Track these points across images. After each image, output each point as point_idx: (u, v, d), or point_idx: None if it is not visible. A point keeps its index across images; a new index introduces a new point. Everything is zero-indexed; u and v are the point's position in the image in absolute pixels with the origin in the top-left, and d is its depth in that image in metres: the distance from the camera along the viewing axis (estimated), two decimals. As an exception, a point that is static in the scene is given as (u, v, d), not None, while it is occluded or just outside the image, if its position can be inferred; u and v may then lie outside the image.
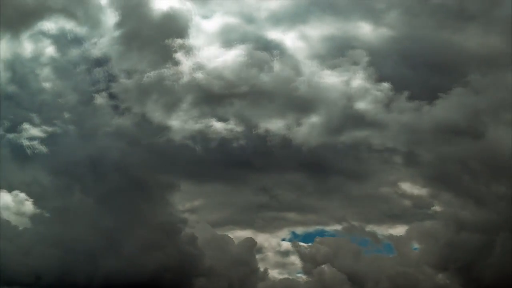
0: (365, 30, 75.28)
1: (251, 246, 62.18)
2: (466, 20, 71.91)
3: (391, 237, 67.49)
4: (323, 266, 62.39)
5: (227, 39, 72.25)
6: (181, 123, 66.49)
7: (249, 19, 75.79)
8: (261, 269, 62.55)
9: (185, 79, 66.31)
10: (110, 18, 65.42)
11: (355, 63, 69.69)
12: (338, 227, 70.67)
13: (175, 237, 59.48)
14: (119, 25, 65.13)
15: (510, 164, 58.84)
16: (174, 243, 58.83)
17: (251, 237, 64.34)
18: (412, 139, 66.87)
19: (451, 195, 63.91)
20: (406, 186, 69.82)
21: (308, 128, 67.41)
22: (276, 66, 68.46)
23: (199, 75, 66.84)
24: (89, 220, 58.75)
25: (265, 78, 67.53)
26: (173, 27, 66.39)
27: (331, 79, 69.20)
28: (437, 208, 66.22)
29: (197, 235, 59.81)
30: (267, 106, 68.14)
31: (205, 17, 75.48)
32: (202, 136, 66.48)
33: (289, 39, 75.23)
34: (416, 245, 64.62)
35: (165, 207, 62.16)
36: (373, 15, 75.13)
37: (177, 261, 57.44)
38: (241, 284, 59.19)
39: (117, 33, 65.33)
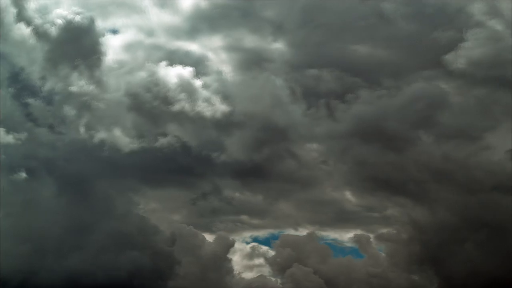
0: (265, 42, 76.33)
1: (228, 245, 61.14)
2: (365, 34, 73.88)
3: (354, 240, 68.39)
4: (292, 268, 61.79)
5: (140, 54, 72.53)
6: (116, 138, 65.11)
7: (151, 33, 76.07)
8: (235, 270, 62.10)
9: (111, 96, 65.83)
10: (29, 38, 63.98)
11: (267, 75, 70.27)
12: (291, 230, 71.35)
13: (148, 237, 57.92)
14: (36, 46, 64.19)
15: (443, 167, 61.50)
16: (148, 243, 57.37)
17: (224, 233, 63.94)
18: (339, 145, 67.46)
19: (397, 198, 65.70)
20: (349, 191, 71.38)
21: (237, 141, 67.18)
22: (196, 80, 68.41)
23: (124, 92, 66.28)
24: (52, 220, 56.76)
25: (188, 93, 67.23)
26: (87, 45, 65.93)
27: (248, 91, 69.08)
28: (389, 211, 67.79)
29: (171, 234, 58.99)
30: (196, 122, 67.63)
31: (112, 32, 74.91)
32: (142, 149, 65.17)
33: (201, 52, 75.57)
34: (380, 248, 65.80)
35: (130, 209, 60.70)
36: (267, 27, 75.87)
37: (150, 261, 56.02)
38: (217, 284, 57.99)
39: (36, 54, 64.36)
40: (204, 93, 67.22)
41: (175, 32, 75.70)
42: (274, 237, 71.63)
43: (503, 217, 56.10)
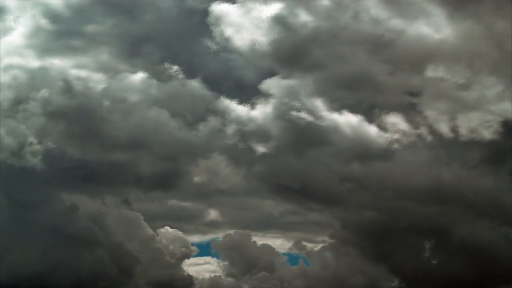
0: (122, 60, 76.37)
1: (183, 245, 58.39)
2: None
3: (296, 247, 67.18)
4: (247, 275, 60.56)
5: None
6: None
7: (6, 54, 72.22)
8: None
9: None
10: None
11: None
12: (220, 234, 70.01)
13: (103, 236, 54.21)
14: None
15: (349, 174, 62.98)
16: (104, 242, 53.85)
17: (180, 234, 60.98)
18: (239, 156, 66.52)
19: (314, 204, 65.88)
20: (267, 199, 70.68)
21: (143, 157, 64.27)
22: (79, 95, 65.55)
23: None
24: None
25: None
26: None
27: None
28: (312, 217, 68.61)
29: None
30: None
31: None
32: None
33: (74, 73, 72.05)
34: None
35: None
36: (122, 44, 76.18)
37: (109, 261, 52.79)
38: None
39: None
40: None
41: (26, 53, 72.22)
42: (207, 245, 71.44)
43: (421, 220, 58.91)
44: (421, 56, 64.26)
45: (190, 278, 56.64)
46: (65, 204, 55.35)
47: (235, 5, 68.13)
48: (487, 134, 61.75)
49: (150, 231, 58.59)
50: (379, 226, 60.24)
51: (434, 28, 64.47)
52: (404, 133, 64.04)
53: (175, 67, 67.68)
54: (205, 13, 67.68)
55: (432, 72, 64.00)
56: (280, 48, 67.20)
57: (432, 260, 59.66)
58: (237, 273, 61.66)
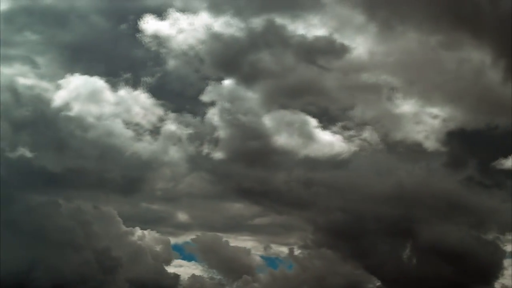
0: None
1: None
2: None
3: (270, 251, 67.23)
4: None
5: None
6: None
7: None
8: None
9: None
10: None
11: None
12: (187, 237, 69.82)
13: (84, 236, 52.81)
14: None
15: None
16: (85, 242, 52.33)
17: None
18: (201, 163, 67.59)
19: (280, 207, 66.11)
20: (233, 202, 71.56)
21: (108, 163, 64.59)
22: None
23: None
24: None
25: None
26: None
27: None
28: (279, 220, 69.05)
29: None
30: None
31: None
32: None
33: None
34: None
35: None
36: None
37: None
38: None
39: None
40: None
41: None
42: (180, 247, 70.32)
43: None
44: (359, 68, 66.87)
45: (177, 277, 55.89)
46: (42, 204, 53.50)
47: (165, 21, 68.32)
48: (431, 143, 64.27)
49: (129, 232, 57.33)
50: (350, 228, 60.53)
51: (369, 43, 67.03)
52: (353, 140, 66.55)
53: (127, 75, 67.98)
54: (136, 28, 68.05)
55: (371, 82, 66.68)
56: (216, 56, 68.53)
57: (412, 261, 59.75)
58: (216, 275, 61.19)
